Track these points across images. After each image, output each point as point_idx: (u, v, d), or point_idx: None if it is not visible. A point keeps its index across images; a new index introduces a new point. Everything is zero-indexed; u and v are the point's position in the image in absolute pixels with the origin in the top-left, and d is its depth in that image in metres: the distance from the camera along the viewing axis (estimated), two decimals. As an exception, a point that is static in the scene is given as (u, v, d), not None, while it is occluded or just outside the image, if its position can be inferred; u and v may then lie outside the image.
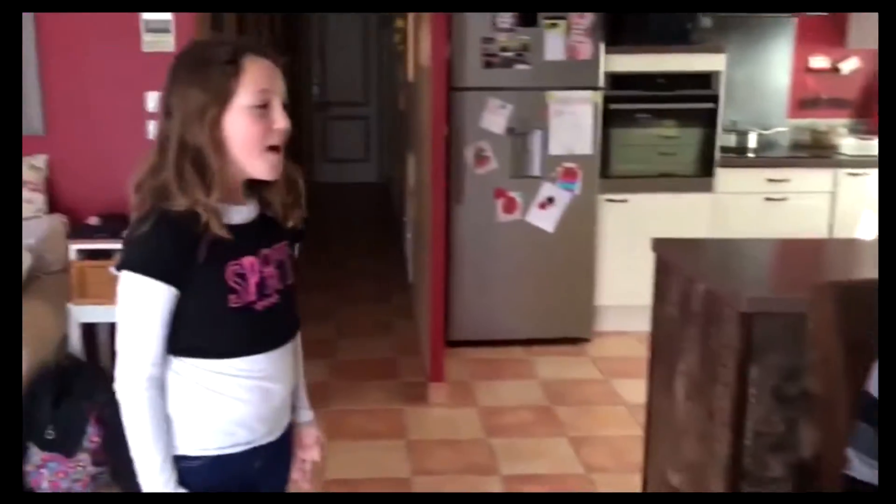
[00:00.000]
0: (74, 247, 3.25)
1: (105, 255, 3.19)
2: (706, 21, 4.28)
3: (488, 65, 4.13)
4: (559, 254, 4.30)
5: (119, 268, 1.42)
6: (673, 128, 4.42)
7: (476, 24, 4.07)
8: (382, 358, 4.29)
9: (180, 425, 1.48)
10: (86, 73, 3.50)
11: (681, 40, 4.29)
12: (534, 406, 3.70)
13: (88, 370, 3.19)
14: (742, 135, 4.71)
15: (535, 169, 4.24)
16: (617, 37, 4.26)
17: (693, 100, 4.36)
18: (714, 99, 4.36)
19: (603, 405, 3.72)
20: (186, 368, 1.47)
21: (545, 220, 4.27)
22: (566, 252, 4.30)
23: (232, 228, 1.45)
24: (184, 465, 1.48)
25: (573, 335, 4.42)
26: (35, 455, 2.86)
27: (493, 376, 4.04)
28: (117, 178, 3.52)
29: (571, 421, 3.55)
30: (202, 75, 1.40)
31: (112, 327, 3.42)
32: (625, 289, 4.36)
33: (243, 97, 1.41)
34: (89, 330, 3.38)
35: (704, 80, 4.33)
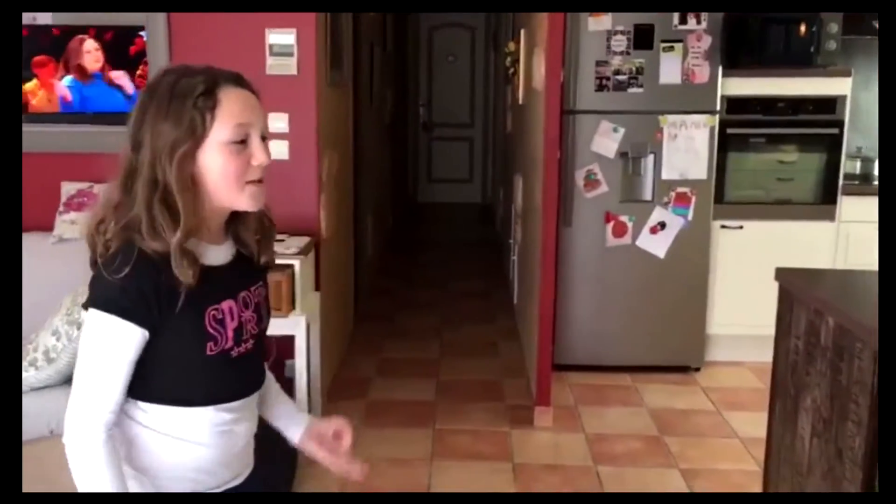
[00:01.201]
0: (198, 260, 3.38)
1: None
2: (831, 44, 4.14)
3: (601, 88, 4.11)
4: (670, 280, 4.21)
5: (92, 306, 1.32)
6: (793, 153, 4.29)
7: (590, 47, 4.06)
8: (487, 379, 4.29)
9: (143, 473, 1.40)
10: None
11: (803, 63, 4.16)
12: (642, 435, 3.62)
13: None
14: (867, 162, 4.52)
15: (647, 193, 4.18)
16: (735, 60, 4.17)
17: (815, 125, 4.22)
18: (838, 124, 4.20)
19: (715, 437, 3.61)
20: (151, 415, 1.38)
21: (656, 245, 4.19)
22: (677, 278, 4.21)
23: (211, 270, 1.37)
24: None
25: (682, 363, 4.31)
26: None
27: (599, 402, 3.98)
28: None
29: (682, 452, 3.45)
30: (175, 109, 1.30)
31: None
32: (738, 318, 4.25)
33: (219, 132, 1.32)
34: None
35: (828, 105, 4.18)
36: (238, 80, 1.38)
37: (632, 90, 4.10)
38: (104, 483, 1.31)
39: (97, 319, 1.31)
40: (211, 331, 1.37)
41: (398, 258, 6.95)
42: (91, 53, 3.68)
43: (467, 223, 8.67)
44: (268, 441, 3.04)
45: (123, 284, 1.29)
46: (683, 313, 4.26)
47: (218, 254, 1.42)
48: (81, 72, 3.67)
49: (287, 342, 3.45)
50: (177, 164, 1.30)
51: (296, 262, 3.28)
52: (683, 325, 4.27)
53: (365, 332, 4.98)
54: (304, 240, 3.47)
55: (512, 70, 5.57)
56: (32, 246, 3.32)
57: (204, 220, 1.37)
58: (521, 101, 5.11)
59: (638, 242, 4.20)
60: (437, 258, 7.09)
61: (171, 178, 1.30)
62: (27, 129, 3.47)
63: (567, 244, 4.19)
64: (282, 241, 3.42)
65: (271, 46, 3.64)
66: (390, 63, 7.04)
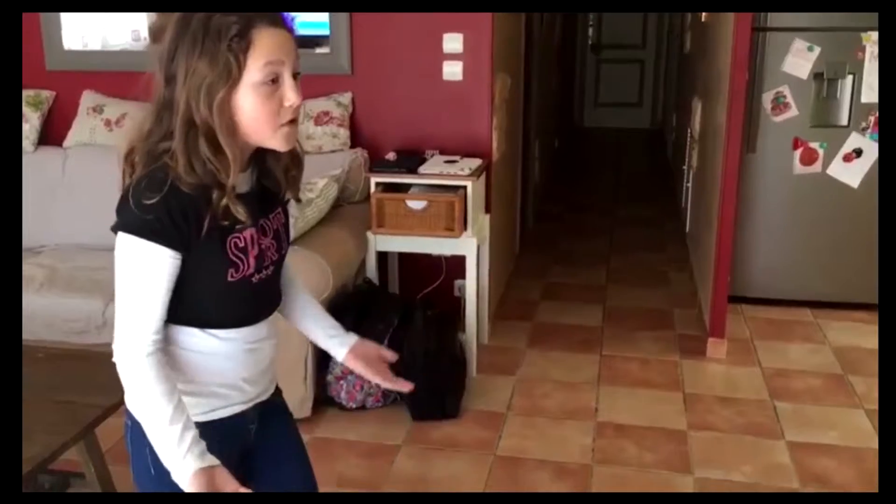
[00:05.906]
0: (374, 179, 3.46)
1: (400, 188, 3.38)
2: None
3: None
4: (863, 212, 3.92)
5: (122, 231, 1.32)
6: None
7: (786, -43, 3.75)
8: (656, 308, 4.20)
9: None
10: (390, 16, 3.67)
11: None
12: (824, 373, 3.45)
13: (383, 295, 3.42)
14: None
15: (843, 118, 3.87)
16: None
17: None
18: None
19: (906, 380, 3.38)
20: (173, 335, 1.41)
21: (850, 174, 3.90)
22: (872, 210, 3.90)
23: (236, 198, 1.36)
24: None
25: (871, 301, 4.02)
26: (336, 367, 3.14)
27: (777, 337, 3.81)
28: (413, 116, 3.71)
29: (869, 393, 3.26)
30: (210, 49, 1.28)
31: (401, 256, 3.65)
32: (939, 255, 3.91)
33: (252, 74, 1.30)
34: (382, 257, 3.61)
35: None
36: (273, 20, 1.33)
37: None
38: (156, 399, 1.33)
39: (130, 244, 1.31)
40: (233, 258, 1.38)
41: (564, 183, 6.86)
42: None
43: (635, 149, 8.42)
44: (440, 367, 3.13)
45: (154, 209, 1.29)
46: (876, 248, 3.96)
47: (242, 182, 1.41)
48: None
49: (457, 262, 3.51)
50: (217, 109, 1.29)
51: (468, 184, 3.30)
52: (875, 261, 3.97)
53: (531, 256, 4.98)
54: (477, 161, 3.47)
55: (694, -15, 5.25)
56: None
57: (238, 155, 1.37)
58: (703, 19, 4.83)
59: (829, 171, 3.92)
60: (603, 184, 6.94)
61: (213, 123, 1.30)
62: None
63: (750, 171, 3.98)
64: (455, 161, 3.44)
65: (447, -33, 3.59)
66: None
